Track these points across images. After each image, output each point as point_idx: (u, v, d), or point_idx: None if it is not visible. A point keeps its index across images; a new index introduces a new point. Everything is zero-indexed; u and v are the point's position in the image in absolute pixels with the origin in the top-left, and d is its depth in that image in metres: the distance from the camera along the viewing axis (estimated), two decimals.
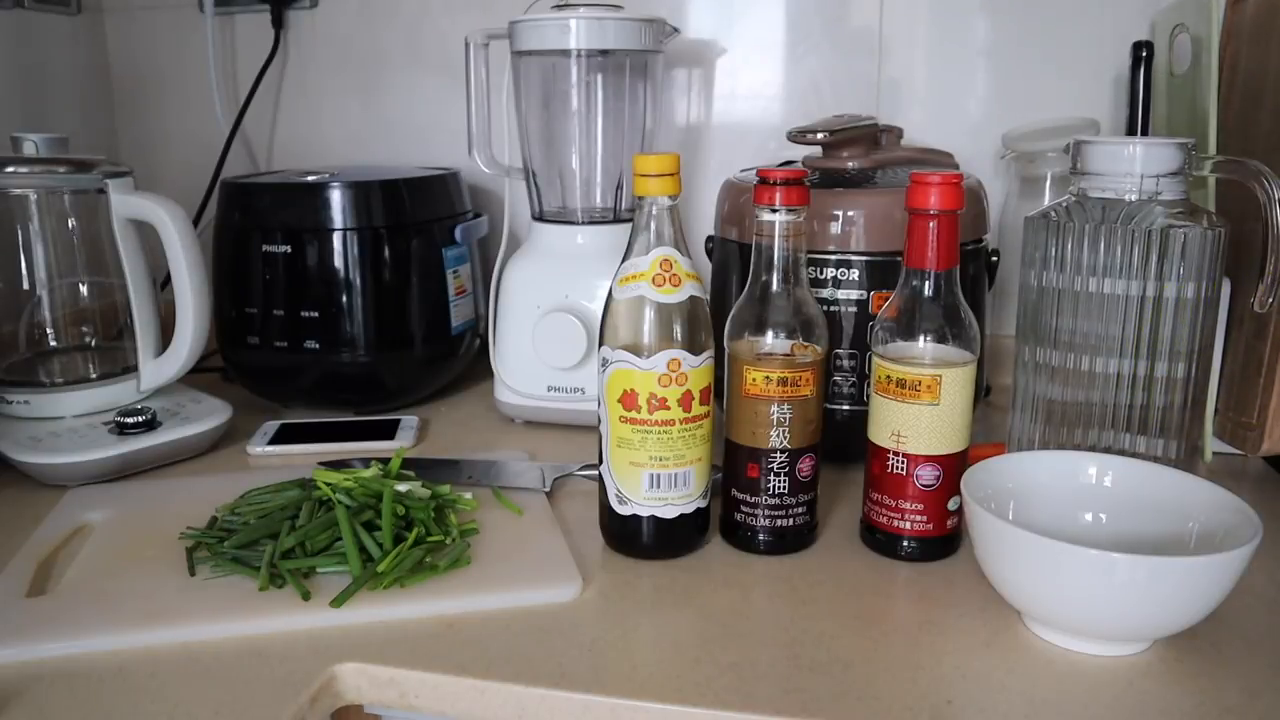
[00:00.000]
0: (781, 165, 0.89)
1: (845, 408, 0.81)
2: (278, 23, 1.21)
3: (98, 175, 0.87)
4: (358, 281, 0.95)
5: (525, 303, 0.94)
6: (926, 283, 0.68)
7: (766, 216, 0.69)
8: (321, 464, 0.81)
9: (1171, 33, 0.90)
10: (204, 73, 1.22)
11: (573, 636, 0.60)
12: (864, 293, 0.80)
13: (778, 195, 0.68)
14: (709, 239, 0.94)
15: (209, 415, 0.90)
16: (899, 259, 0.70)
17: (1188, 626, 0.56)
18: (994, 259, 0.91)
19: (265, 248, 0.95)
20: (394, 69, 1.21)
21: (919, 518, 0.68)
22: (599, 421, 0.68)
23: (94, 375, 0.91)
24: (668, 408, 0.65)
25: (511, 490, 0.79)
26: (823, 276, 0.81)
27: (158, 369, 0.89)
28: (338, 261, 0.95)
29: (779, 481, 0.69)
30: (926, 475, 0.67)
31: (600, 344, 0.67)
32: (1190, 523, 0.62)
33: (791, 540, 0.70)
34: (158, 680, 0.56)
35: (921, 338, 0.68)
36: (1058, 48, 1.04)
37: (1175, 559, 0.53)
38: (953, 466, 0.68)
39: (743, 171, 0.93)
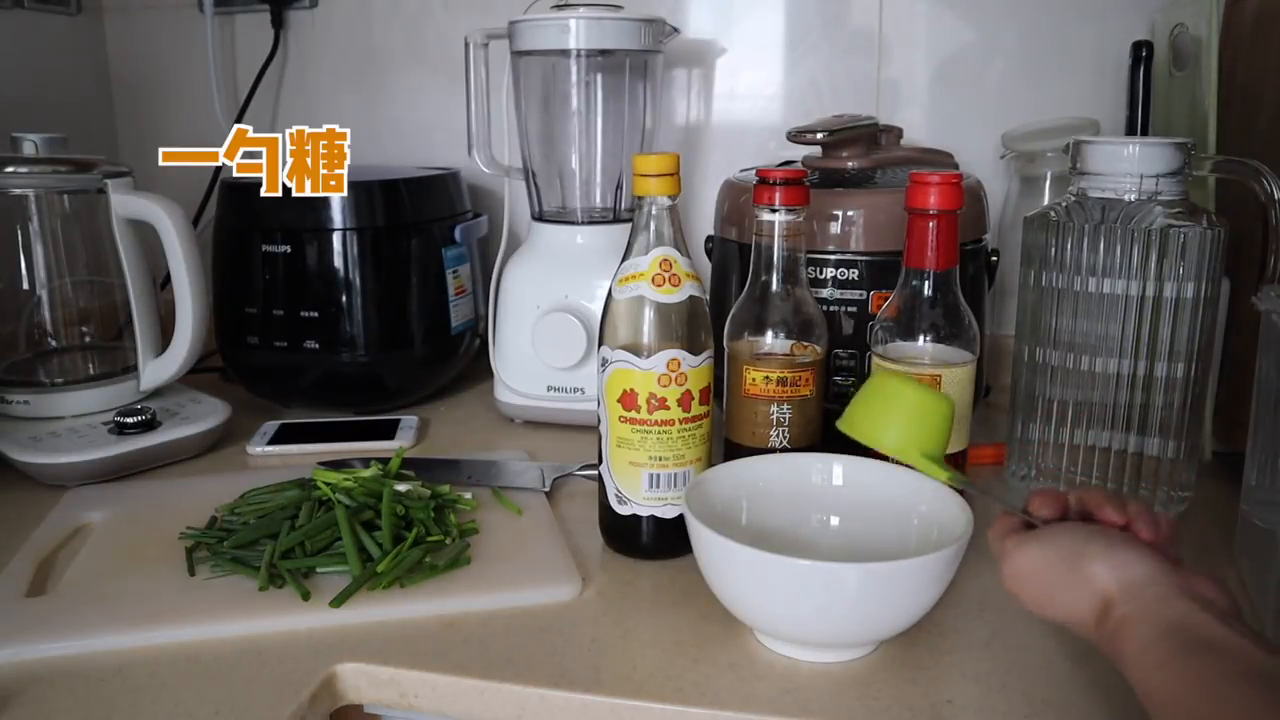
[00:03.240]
0: (781, 165, 0.89)
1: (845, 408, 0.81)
2: (278, 23, 1.21)
3: (98, 175, 0.87)
4: (358, 281, 0.95)
5: (525, 303, 0.94)
6: (926, 282, 0.68)
7: (766, 216, 0.69)
8: (321, 464, 0.81)
9: (1171, 33, 0.90)
10: (204, 73, 1.22)
11: (573, 636, 0.60)
12: (864, 293, 0.80)
13: (777, 195, 0.68)
14: (709, 239, 0.94)
15: (208, 415, 0.90)
16: (899, 259, 0.70)
17: (910, 625, 0.57)
18: (994, 259, 0.91)
19: (265, 248, 0.95)
20: (394, 69, 1.21)
21: None
22: (599, 421, 0.68)
23: (94, 375, 0.91)
24: (667, 408, 0.65)
25: (511, 490, 0.79)
26: (823, 276, 0.81)
27: (157, 369, 0.89)
28: (338, 261, 0.95)
29: None
30: None
31: (600, 344, 0.67)
32: (914, 519, 0.62)
33: None
34: (158, 680, 0.56)
35: (921, 337, 0.68)
36: (1058, 48, 1.04)
37: (868, 565, 0.53)
38: (953, 466, 0.68)
39: (743, 171, 0.93)
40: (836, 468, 0.66)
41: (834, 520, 0.66)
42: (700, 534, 0.57)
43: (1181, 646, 0.39)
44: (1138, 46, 0.92)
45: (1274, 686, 0.36)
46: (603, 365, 0.67)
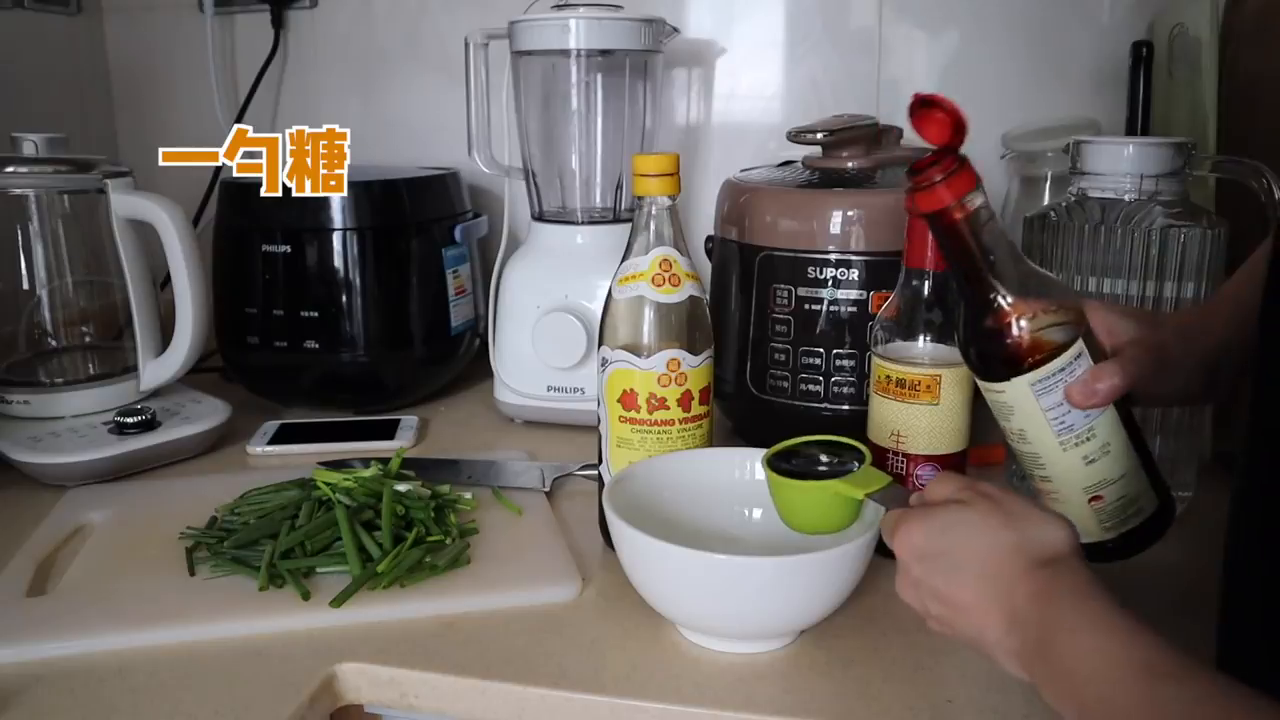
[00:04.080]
0: (781, 165, 0.89)
1: (845, 408, 0.81)
2: (278, 23, 1.21)
3: (98, 175, 0.87)
4: (358, 281, 0.95)
5: (525, 303, 0.94)
6: (926, 283, 0.68)
7: None
8: (321, 464, 0.81)
9: (1171, 33, 0.90)
10: (204, 73, 1.22)
11: (573, 636, 0.60)
12: (864, 293, 0.80)
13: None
14: (709, 239, 0.94)
15: (209, 415, 0.90)
16: (899, 259, 0.70)
17: (822, 617, 0.58)
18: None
19: (265, 248, 0.95)
20: (394, 69, 1.21)
21: None
22: (599, 421, 0.68)
23: (94, 375, 0.91)
24: (667, 408, 0.65)
25: (511, 490, 0.79)
26: (823, 276, 0.81)
27: (157, 369, 0.89)
28: (338, 261, 0.94)
29: None
30: (926, 475, 0.67)
31: (600, 344, 0.67)
32: None
33: None
34: (158, 680, 0.56)
35: (921, 338, 0.68)
36: (1058, 47, 1.04)
37: (763, 559, 0.55)
38: (953, 466, 0.68)
39: (743, 171, 0.93)
40: (755, 463, 0.66)
41: (756, 513, 0.67)
42: (620, 529, 0.58)
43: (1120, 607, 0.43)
44: (1138, 46, 0.92)
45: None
46: (603, 365, 0.67)
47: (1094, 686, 0.40)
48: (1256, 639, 0.37)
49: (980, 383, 0.58)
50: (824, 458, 0.60)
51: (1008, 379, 0.56)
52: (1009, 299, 0.55)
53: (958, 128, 0.54)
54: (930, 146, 0.55)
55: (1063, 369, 0.54)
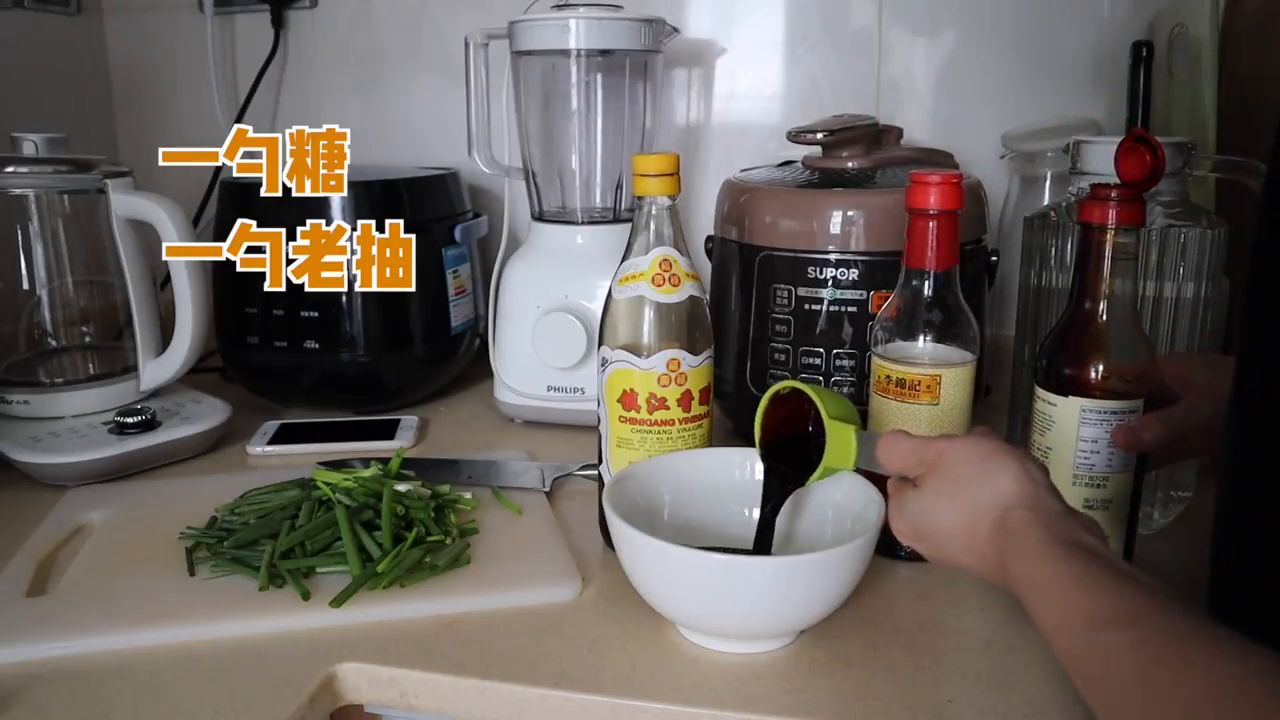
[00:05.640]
0: (781, 165, 0.89)
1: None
2: (278, 23, 1.21)
3: (98, 175, 0.87)
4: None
5: (525, 303, 0.94)
6: (926, 283, 0.68)
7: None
8: (321, 464, 0.81)
9: (1171, 33, 0.90)
10: (204, 73, 1.22)
11: (573, 636, 0.60)
12: (863, 293, 0.80)
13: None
14: (709, 239, 0.94)
15: (209, 415, 0.90)
16: (899, 259, 0.70)
17: (822, 617, 0.58)
18: (994, 259, 0.91)
19: None
20: (394, 69, 1.21)
21: None
22: (599, 421, 0.68)
23: (94, 375, 0.91)
24: (667, 408, 0.65)
25: (511, 490, 0.79)
26: (823, 276, 0.81)
27: (157, 369, 0.89)
28: None
29: None
30: None
31: (600, 344, 0.67)
32: (829, 511, 0.64)
33: None
34: (158, 680, 0.56)
35: (921, 338, 0.68)
36: (1058, 47, 1.04)
37: (757, 559, 0.56)
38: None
39: (743, 171, 0.93)
40: (755, 463, 0.66)
41: (756, 513, 0.66)
42: (620, 529, 0.58)
43: (1075, 548, 0.45)
44: (1138, 46, 0.92)
45: (1152, 591, 0.41)
46: (603, 365, 0.67)
47: (1056, 639, 0.43)
48: (1238, 626, 0.38)
49: (1037, 388, 0.62)
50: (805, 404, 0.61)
51: (1065, 395, 0.60)
52: (1102, 338, 0.60)
53: (1152, 174, 0.59)
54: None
55: (1115, 411, 0.59)
